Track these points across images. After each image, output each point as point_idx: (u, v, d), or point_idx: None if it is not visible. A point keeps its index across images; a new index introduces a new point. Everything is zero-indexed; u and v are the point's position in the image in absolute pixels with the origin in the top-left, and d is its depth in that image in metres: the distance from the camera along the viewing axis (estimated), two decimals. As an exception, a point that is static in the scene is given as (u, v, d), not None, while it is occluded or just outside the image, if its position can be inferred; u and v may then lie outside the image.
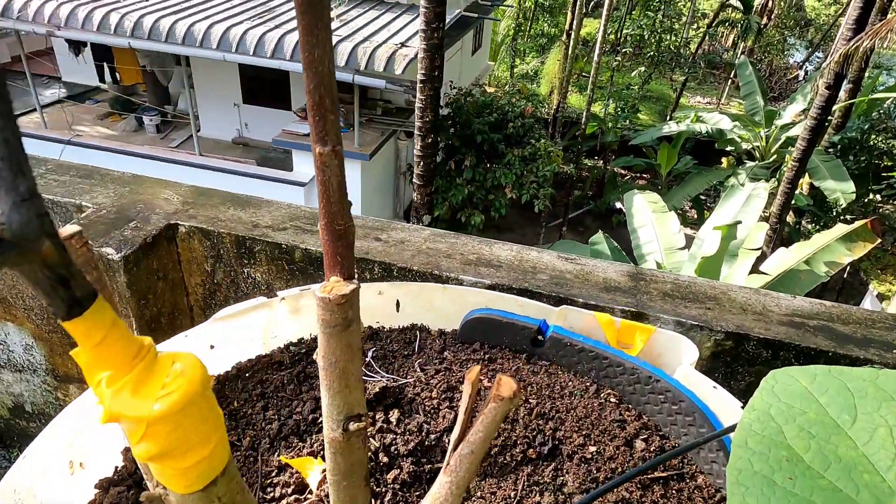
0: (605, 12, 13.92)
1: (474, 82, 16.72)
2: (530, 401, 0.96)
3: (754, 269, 7.26)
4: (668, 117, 19.13)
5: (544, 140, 12.83)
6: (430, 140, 9.72)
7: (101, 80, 12.87)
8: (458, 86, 12.70)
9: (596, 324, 1.00)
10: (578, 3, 15.00)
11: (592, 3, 19.50)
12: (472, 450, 0.57)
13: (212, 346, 0.98)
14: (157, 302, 1.71)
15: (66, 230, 0.49)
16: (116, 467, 0.84)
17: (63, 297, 0.40)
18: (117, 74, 12.39)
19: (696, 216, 16.39)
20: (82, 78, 13.06)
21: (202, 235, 1.71)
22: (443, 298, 1.05)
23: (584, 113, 14.79)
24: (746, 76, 14.98)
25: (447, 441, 0.87)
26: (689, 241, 8.55)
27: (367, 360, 0.97)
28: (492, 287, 1.57)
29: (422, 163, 10.04)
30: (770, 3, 22.25)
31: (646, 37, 19.65)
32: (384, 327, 1.07)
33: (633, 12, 20.31)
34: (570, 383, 0.99)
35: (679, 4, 20.99)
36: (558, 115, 16.60)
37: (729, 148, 15.41)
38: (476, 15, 13.86)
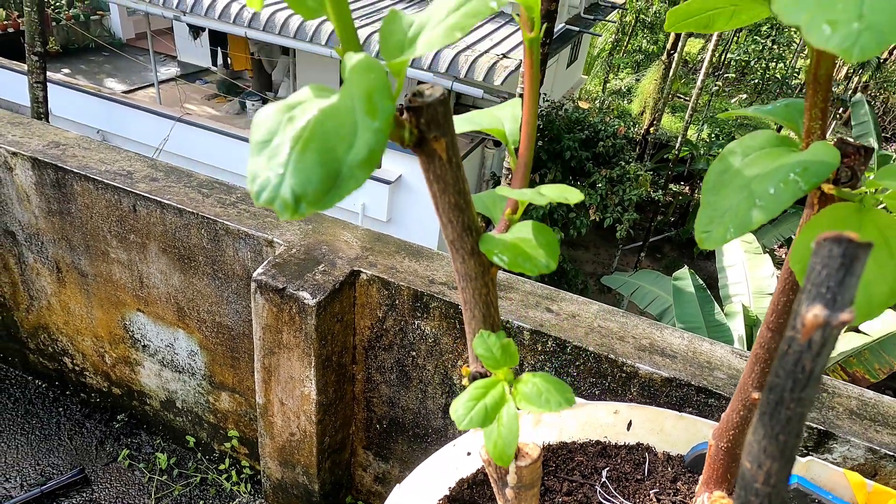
0: (715, 34, 13.40)
1: (567, 95, 16.52)
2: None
3: (852, 327, 6.90)
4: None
5: (635, 163, 12.52)
6: (523, 155, 9.73)
7: (214, 63, 13.57)
8: (551, 98, 12.59)
9: (844, 482, 0.99)
10: (685, 24, 14.49)
11: (699, 23, 18.79)
12: None
13: (468, 454, 1.03)
14: (332, 342, 1.81)
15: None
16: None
17: None
18: (228, 59, 13.04)
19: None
20: (196, 59, 13.82)
21: (381, 284, 1.79)
22: (675, 425, 1.07)
23: (680, 137, 14.31)
24: (861, 116, 14.07)
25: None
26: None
27: (603, 479, 1.00)
28: (669, 381, 1.57)
29: (511, 175, 10.03)
30: (893, 37, 20.73)
31: (751, 63, 18.78)
32: (612, 442, 1.09)
33: (740, 35, 19.44)
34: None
35: (791, 31, 19.93)
36: (648, 136, 16.16)
37: (831, 190, 14.53)
38: (578, 29, 13.69)
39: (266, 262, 1.77)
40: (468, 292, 0.44)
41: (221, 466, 2.54)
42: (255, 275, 1.71)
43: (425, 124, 0.34)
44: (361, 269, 1.81)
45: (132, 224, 2.08)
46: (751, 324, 7.48)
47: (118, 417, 2.69)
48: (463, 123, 0.45)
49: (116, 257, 2.20)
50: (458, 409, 0.42)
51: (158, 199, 1.98)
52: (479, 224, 0.40)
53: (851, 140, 0.43)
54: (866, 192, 0.39)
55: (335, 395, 1.94)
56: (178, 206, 1.96)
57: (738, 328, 7.47)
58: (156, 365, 2.43)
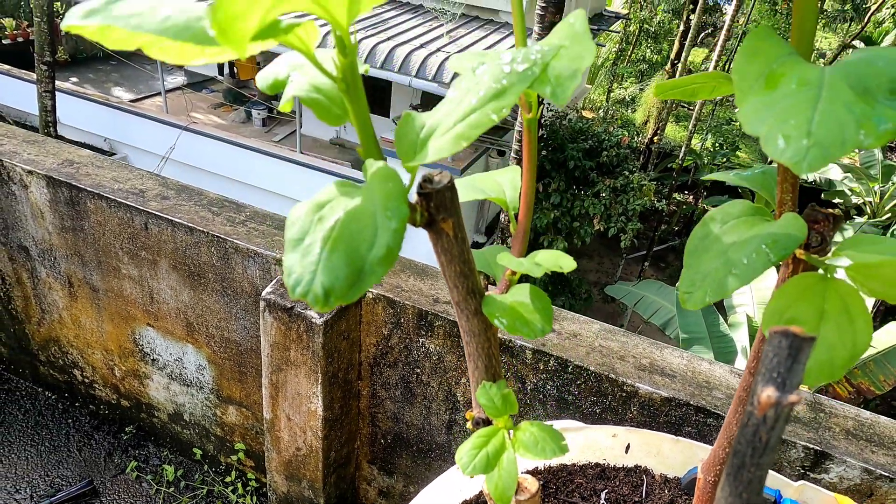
0: (720, 43, 13.46)
1: (570, 105, 16.58)
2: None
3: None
4: (769, 160, 18.24)
5: (638, 173, 12.56)
6: (527, 166, 9.83)
7: (220, 72, 13.71)
8: (554, 108, 12.65)
9: (835, 506, 1.02)
10: (690, 32, 14.58)
11: (703, 34, 18.90)
12: None
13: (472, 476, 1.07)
14: (339, 359, 1.85)
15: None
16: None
17: None
18: (235, 69, 13.17)
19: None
20: (202, 68, 13.94)
21: (387, 303, 1.84)
22: (672, 449, 1.10)
23: (684, 146, 14.35)
24: (864, 126, 14.12)
25: None
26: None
27: (602, 501, 1.04)
28: (668, 400, 1.60)
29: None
30: (897, 47, 20.78)
31: (754, 73, 18.81)
32: (611, 465, 1.13)
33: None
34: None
35: (794, 41, 19.95)
36: (652, 146, 16.21)
37: (836, 200, 14.56)
38: (582, 39, 13.75)
39: (275, 280, 1.82)
40: (472, 346, 0.48)
41: (228, 479, 2.57)
42: (263, 293, 1.76)
43: (434, 208, 0.39)
44: (368, 288, 1.85)
45: (143, 241, 2.13)
46: (754, 335, 7.47)
47: (126, 429, 2.74)
48: (467, 190, 0.49)
49: (127, 273, 2.25)
50: (463, 457, 0.46)
51: (169, 217, 2.03)
52: (482, 287, 0.44)
53: (821, 209, 0.47)
54: (830, 263, 0.43)
55: (341, 410, 1.98)
56: (189, 224, 2.01)
57: (741, 339, 7.47)
58: (164, 378, 2.47)
